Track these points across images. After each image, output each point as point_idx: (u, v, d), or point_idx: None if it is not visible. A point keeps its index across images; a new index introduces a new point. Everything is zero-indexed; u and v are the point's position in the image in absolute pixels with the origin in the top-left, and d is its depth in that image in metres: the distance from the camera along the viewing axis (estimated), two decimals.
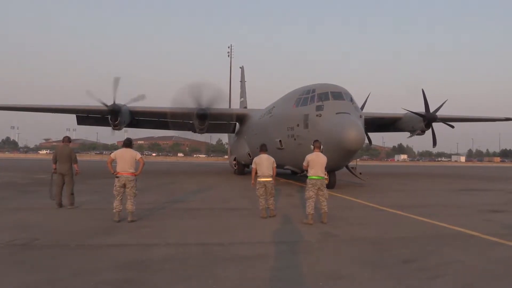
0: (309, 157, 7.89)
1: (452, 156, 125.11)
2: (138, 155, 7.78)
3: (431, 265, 4.85)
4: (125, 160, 7.57)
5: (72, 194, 9.24)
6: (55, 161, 9.32)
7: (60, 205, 9.12)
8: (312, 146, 8.19)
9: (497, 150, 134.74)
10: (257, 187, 8.36)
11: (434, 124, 23.27)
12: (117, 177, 7.55)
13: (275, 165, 8.55)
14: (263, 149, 8.77)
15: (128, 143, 7.89)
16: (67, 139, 9.69)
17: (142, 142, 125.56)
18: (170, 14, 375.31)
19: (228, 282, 4.10)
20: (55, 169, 9.31)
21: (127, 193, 7.55)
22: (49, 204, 9.21)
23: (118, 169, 7.57)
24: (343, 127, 12.90)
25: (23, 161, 50.73)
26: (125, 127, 24.07)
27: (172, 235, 6.38)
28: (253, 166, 8.51)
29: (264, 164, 8.34)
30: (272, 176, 8.42)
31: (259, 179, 8.34)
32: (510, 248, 5.84)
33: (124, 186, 7.54)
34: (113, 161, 7.73)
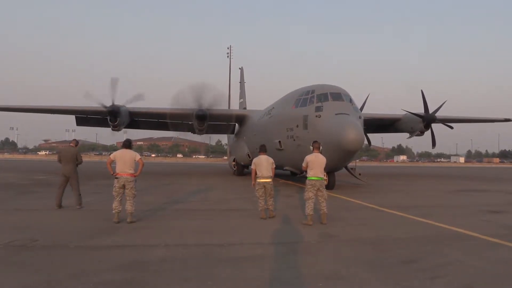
0: (308, 158, 7.89)
1: (452, 157, 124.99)
2: (137, 156, 7.78)
3: (431, 265, 4.85)
4: (124, 161, 7.57)
5: (80, 194, 9.33)
6: (60, 162, 9.40)
7: (60, 206, 9.12)
8: (311, 147, 8.19)
9: (496, 151, 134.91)
10: (257, 188, 8.36)
11: (433, 125, 23.26)
12: (117, 178, 7.55)
13: (274, 166, 8.56)
14: (263, 150, 8.76)
15: (127, 144, 7.89)
16: (75, 142, 9.89)
17: (142, 143, 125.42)
18: (170, 15, 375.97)
19: (228, 283, 4.10)
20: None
21: (126, 194, 7.55)
22: (48, 205, 9.21)
23: (118, 170, 7.56)
24: (342, 128, 12.91)
25: (23, 162, 50.67)
26: (124, 128, 24.05)
27: (171, 236, 6.37)
28: (252, 167, 8.51)
29: (264, 165, 8.33)
30: (271, 177, 8.42)
31: (258, 180, 8.34)
32: (509, 249, 5.84)
33: (123, 187, 7.54)
34: (113, 162, 7.73)
